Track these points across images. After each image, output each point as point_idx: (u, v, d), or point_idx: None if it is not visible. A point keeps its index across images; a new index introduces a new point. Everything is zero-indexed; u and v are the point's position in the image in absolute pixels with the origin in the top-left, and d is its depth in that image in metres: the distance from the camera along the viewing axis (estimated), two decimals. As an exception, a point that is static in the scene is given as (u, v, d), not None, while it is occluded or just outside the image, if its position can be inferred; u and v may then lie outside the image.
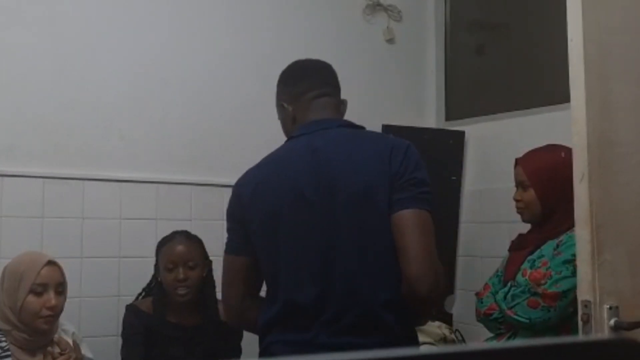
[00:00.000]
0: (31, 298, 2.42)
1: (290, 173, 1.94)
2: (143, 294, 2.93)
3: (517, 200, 2.54)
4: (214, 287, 2.89)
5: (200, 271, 2.84)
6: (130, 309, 2.85)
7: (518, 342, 1.85)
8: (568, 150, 2.44)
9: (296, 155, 1.97)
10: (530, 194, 2.48)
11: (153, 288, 2.89)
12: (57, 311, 2.46)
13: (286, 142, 2.07)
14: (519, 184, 2.54)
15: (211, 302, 2.86)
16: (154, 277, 2.89)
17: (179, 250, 2.82)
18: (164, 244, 2.86)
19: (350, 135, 1.98)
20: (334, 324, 1.85)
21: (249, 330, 2.18)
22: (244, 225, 2.00)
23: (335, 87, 2.12)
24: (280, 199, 1.93)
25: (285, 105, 2.10)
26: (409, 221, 1.82)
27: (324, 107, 2.05)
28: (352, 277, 1.86)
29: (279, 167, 1.99)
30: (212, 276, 2.90)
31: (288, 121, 2.10)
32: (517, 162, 2.57)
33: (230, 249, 2.06)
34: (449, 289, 3.64)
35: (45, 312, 2.43)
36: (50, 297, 2.44)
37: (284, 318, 1.93)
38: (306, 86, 2.08)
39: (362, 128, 2.05)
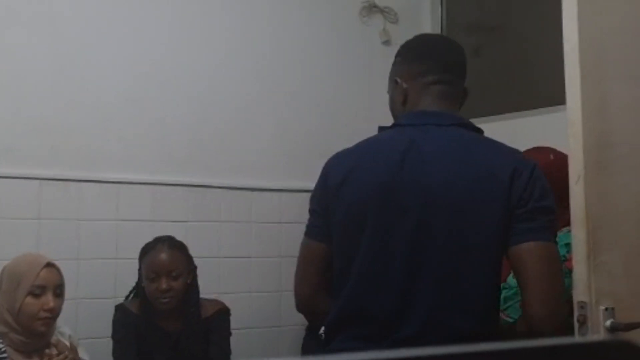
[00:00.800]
0: (30, 300, 2.42)
1: (387, 169, 1.73)
2: (131, 295, 2.92)
3: None
4: (197, 293, 2.88)
5: (184, 280, 2.82)
6: (120, 309, 2.85)
7: (514, 343, 1.86)
8: (557, 153, 2.45)
9: (398, 149, 1.74)
10: None
11: (139, 292, 2.88)
12: (55, 313, 2.46)
13: (391, 128, 1.85)
14: None
15: (193, 309, 2.84)
16: (139, 281, 2.88)
17: (162, 259, 2.78)
18: (147, 252, 2.82)
19: (465, 139, 1.76)
20: (410, 343, 1.64)
21: (320, 322, 1.93)
22: (328, 212, 1.82)
23: (459, 76, 1.87)
24: (371, 194, 1.73)
25: (399, 80, 1.87)
26: (534, 255, 1.64)
27: (439, 96, 1.83)
28: (436, 300, 1.68)
29: (376, 158, 1.77)
30: (196, 282, 2.89)
31: (398, 99, 1.87)
32: None
33: (311, 233, 1.88)
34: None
35: (44, 314, 2.42)
36: (49, 299, 2.43)
37: (348, 323, 1.77)
38: (426, 67, 1.84)
39: (481, 131, 1.83)
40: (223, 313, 2.91)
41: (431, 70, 1.84)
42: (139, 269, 2.86)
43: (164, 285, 2.75)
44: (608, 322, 1.80)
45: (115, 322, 2.83)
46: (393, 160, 1.73)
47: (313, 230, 1.88)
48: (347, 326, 1.77)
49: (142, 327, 2.80)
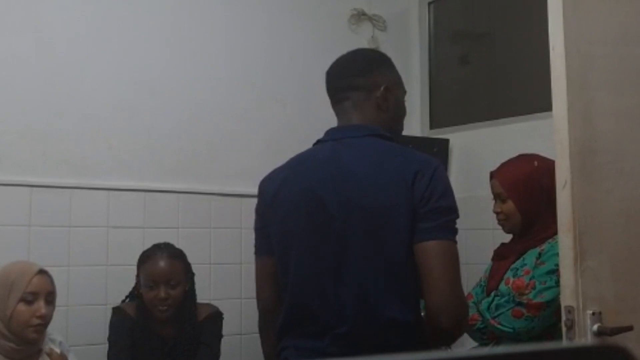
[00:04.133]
0: (21, 307, 2.42)
1: (313, 179, 1.90)
2: (128, 299, 2.92)
3: (497, 213, 2.54)
4: (194, 300, 2.89)
5: (182, 288, 2.82)
6: (118, 312, 2.84)
7: (502, 349, 1.86)
8: (541, 159, 2.47)
9: (320, 161, 1.93)
10: (509, 205, 2.48)
11: (136, 297, 2.88)
12: (46, 320, 2.46)
13: (314, 145, 2.03)
14: (497, 196, 2.54)
15: (190, 315, 2.85)
16: (136, 286, 2.88)
17: (161, 268, 2.77)
18: (146, 259, 2.82)
19: (378, 148, 1.91)
20: (346, 338, 1.84)
21: None
22: (266, 225, 1.99)
23: (365, 84, 1.98)
24: (300, 204, 1.90)
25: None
26: (432, 253, 1.77)
27: (346, 111, 1.99)
28: (362, 296, 1.83)
29: (303, 171, 1.95)
30: (194, 290, 2.89)
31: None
32: (492, 174, 2.58)
33: (258, 250, 2.04)
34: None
35: (35, 321, 2.42)
36: (41, 306, 2.43)
37: (294, 324, 1.93)
38: (331, 90, 2.04)
39: (391, 139, 1.95)
40: (216, 316, 2.92)
41: (336, 90, 2.02)
42: (137, 275, 2.86)
43: (162, 294, 2.75)
44: (595, 327, 1.82)
45: (112, 324, 2.82)
46: (317, 171, 1.91)
47: (259, 248, 2.03)
48: (293, 327, 1.93)
49: (138, 332, 2.80)
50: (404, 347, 1.82)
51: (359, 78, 1.99)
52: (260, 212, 2.03)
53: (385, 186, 1.83)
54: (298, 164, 1.99)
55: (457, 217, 1.84)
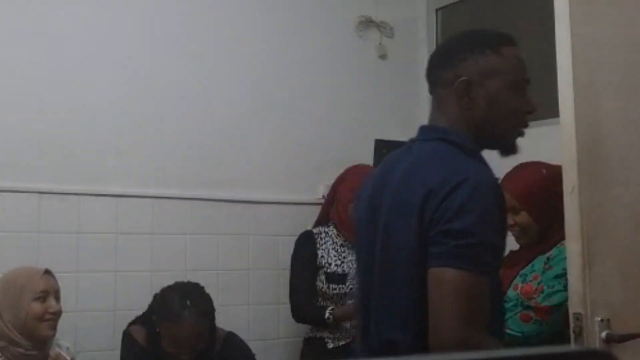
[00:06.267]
0: (35, 305, 2.48)
1: (373, 189, 1.77)
2: (138, 321, 2.86)
3: (510, 225, 2.48)
4: (214, 331, 2.82)
5: (205, 342, 2.73)
6: (126, 338, 2.80)
7: (491, 353, 1.84)
8: (547, 166, 2.46)
9: (384, 169, 1.79)
10: (524, 216, 2.45)
11: (147, 322, 2.80)
12: (58, 316, 2.52)
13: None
14: (510, 209, 2.51)
15: (207, 346, 2.77)
16: (149, 313, 2.81)
17: (188, 332, 2.68)
18: (171, 318, 2.70)
19: (425, 158, 1.69)
20: (373, 354, 1.70)
21: None
22: None
23: (442, 72, 1.73)
24: (361, 215, 1.80)
25: None
26: (433, 282, 1.54)
27: (433, 108, 1.77)
28: (376, 316, 1.71)
29: (377, 179, 1.79)
30: (214, 324, 2.83)
31: None
32: (501, 187, 2.55)
33: None
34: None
35: (49, 316, 2.48)
36: (53, 304, 2.51)
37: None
38: (427, 82, 1.80)
39: (458, 145, 1.68)
40: (231, 336, 2.89)
41: (428, 83, 1.80)
42: (152, 308, 2.80)
43: (185, 356, 2.69)
44: (604, 334, 1.81)
45: (122, 350, 2.79)
46: (378, 180, 1.77)
47: None
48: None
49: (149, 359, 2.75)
50: None
51: (439, 71, 1.75)
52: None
53: (402, 204, 1.64)
54: (376, 171, 1.86)
55: (476, 242, 1.53)
